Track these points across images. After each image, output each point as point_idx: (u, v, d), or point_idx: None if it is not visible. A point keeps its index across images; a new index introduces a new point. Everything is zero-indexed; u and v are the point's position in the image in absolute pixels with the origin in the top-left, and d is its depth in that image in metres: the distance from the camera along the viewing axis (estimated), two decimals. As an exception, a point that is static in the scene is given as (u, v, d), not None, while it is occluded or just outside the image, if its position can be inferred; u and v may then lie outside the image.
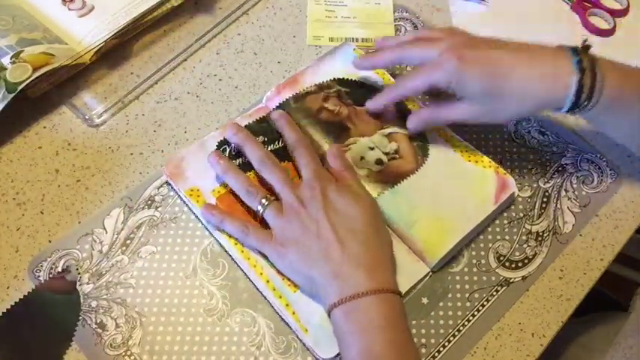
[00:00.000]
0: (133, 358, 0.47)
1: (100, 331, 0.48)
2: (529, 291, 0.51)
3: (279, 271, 0.49)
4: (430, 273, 0.51)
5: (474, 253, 0.53)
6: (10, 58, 0.57)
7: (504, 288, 0.51)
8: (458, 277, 0.51)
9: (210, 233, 0.52)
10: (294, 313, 0.48)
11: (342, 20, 0.67)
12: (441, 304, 0.50)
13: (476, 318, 0.50)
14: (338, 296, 0.44)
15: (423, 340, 0.48)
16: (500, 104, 0.50)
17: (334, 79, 0.59)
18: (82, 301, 0.49)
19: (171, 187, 0.54)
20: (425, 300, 0.50)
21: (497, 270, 0.52)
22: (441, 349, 0.48)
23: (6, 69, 0.56)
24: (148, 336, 0.48)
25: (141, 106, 0.60)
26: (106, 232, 0.52)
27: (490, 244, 0.53)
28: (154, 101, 0.60)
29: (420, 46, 0.52)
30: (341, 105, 0.57)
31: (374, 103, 0.56)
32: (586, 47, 0.51)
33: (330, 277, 0.45)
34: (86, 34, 0.61)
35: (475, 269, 0.52)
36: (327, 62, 0.61)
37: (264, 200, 0.49)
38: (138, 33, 0.64)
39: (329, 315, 0.46)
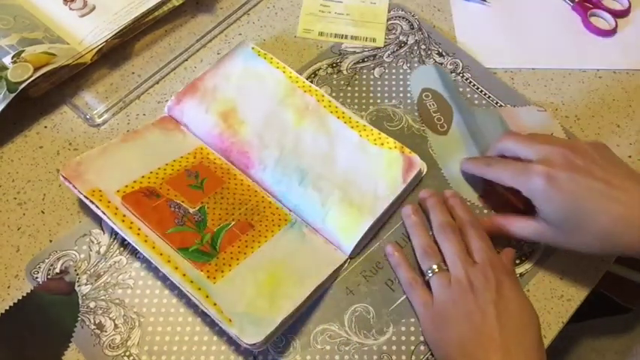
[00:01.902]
0: (132, 358, 0.47)
1: (98, 331, 0.48)
2: (529, 291, 0.51)
3: (195, 264, 0.47)
4: (348, 259, 0.51)
5: (473, 254, 0.53)
6: (12, 58, 0.57)
7: (504, 289, 0.51)
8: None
9: (114, 229, 0.49)
10: (215, 304, 0.46)
11: (335, 16, 0.67)
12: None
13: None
14: None
15: (422, 338, 0.48)
16: (578, 236, 0.46)
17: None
18: (80, 302, 0.49)
19: (71, 190, 0.51)
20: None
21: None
22: (440, 350, 0.48)
23: (7, 68, 0.56)
24: (147, 336, 0.48)
25: (142, 106, 0.60)
26: (104, 233, 0.52)
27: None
28: (155, 101, 0.60)
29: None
30: None
31: (468, 167, 0.55)
32: None
33: None
34: (87, 33, 0.61)
35: (475, 270, 0.52)
36: (226, 64, 0.59)
37: (435, 267, 0.48)
38: (139, 33, 0.64)
39: None
